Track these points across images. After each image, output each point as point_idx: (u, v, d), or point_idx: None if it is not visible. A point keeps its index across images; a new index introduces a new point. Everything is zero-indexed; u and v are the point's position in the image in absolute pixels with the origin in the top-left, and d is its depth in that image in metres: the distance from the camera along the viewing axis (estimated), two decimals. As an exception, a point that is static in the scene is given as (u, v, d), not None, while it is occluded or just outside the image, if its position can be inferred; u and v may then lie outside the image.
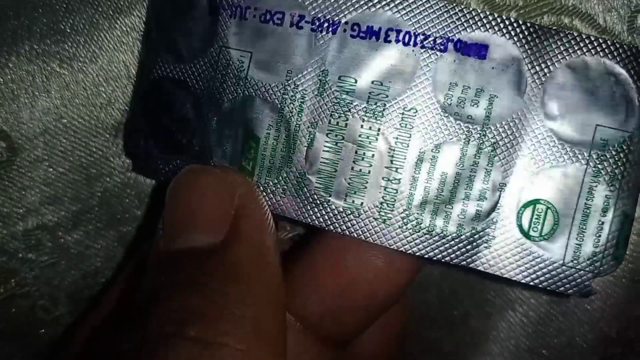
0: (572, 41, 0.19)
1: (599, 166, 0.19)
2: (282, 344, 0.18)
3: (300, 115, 0.19)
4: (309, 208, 0.20)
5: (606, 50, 0.19)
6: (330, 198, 0.19)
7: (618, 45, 0.19)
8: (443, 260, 0.19)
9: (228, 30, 0.20)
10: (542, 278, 0.19)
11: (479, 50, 0.18)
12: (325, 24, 0.19)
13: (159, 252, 0.18)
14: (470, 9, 0.18)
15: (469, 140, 0.19)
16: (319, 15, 0.19)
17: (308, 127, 0.19)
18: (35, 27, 0.24)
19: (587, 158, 0.19)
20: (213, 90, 0.20)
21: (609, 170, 0.19)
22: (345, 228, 0.19)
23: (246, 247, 0.18)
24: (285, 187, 0.20)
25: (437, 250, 0.19)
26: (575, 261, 0.19)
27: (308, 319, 0.21)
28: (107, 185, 0.26)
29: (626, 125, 0.19)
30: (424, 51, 0.18)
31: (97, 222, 0.26)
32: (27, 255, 0.26)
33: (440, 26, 0.18)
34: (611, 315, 0.26)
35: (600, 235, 0.19)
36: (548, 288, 0.19)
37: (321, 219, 0.20)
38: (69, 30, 0.24)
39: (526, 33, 0.18)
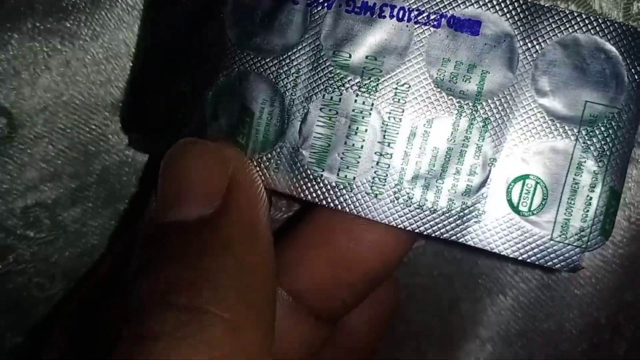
0: (563, 18, 0.19)
1: (588, 142, 0.19)
2: (271, 315, 0.18)
3: (294, 90, 0.19)
4: (302, 183, 0.20)
5: (597, 27, 0.19)
6: (323, 173, 0.20)
7: (609, 23, 0.19)
8: (434, 234, 0.19)
9: (224, 6, 0.20)
10: (530, 253, 0.19)
11: (472, 27, 0.19)
12: None
13: (151, 224, 0.19)
14: (464, -15, 0.18)
15: (461, 115, 0.19)
16: None
17: (302, 101, 0.19)
18: (37, 5, 0.24)
19: (577, 134, 0.19)
20: (208, 65, 0.20)
21: (597, 147, 0.19)
22: (337, 203, 0.20)
23: (237, 219, 0.18)
24: (279, 161, 0.20)
25: (427, 225, 0.19)
26: (564, 236, 0.19)
27: (300, 294, 0.22)
28: (105, 163, 0.26)
29: (615, 102, 0.19)
30: (418, 27, 0.19)
31: (95, 200, 0.26)
32: (25, 232, 0.26)
33: (434, 2, 0.19)
34: (601, 300, 0.26)
35: (588, 211, 0.19)
36: (536, 263, 0.19)
37: (314, 194, 0.20)
38: (70, 8, 0.25)
39: (519, 10, 0.19)
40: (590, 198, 0.19)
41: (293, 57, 0.19)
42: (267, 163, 0.20)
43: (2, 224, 0.26)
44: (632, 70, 0.19)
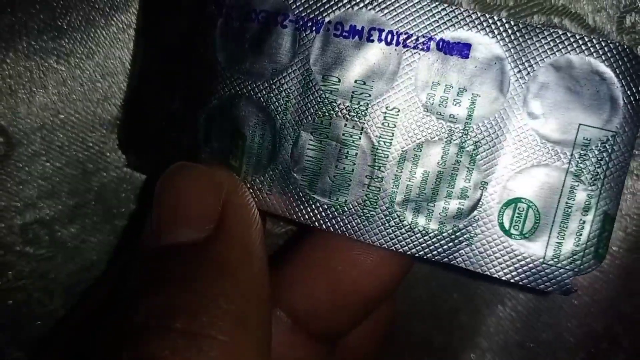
0: (556, 40, 0.18)
1: (581, 165, 0.19)
2: (267, 337, 0.18)
3: (285, 113, 0.19)
4: (294, 205, 0.20)
5: (591, 48, 0.18)
6: (315, 195, 0.20)
7: (604, 44, 0.18)
8: (425, 257, 0.19)
9: (215, 30, 0.20)
10: (522, 275, 0.19)
11: (462, 50, 0.18)
12: (309, 23, 0.19)
13: (146, 248, 0.19)
14: (453, 7, 0.18)
15: (451, 139, 0.19)
16: (303, 15, 0.19)
17: (293, 125, 0.19)
18: (32, 24, 0.25)
19: (569, 157, 0.19)
20: (200, 87, 0.20)
21: (591, 170, 0.19)
22: (329, 225, 0.20)
23: (232, 243, 0.18)
24: (272, 184, 0.20)
25: (419, 247, 0.19)
26: (556, 259, 0.19)
27: (298, 316, 0.22)
28: (103, 180, 0.26)
29: (609, 125, 0.19)
30: (407, 50, 0.18)
31: (93, 217, 0.26)
32: (24, 248, 0.26)
33: (423, 25, 0.18)
34: (598, 310, 0.26)
35: (581, 234, 0.19)
36: (529, 285, 0.19)
37: (306, 216, 0.20)
38: (65, 27, 0.25)
39: (510, 32, 0.18)
40: (584, 222, 0.19)
41: (283, 81, 0.19)
42: (260, 185, 0.20)
43: (1, 240, 0.26)
44: (628, 92, 0.19)
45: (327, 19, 0.19)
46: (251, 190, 0.20)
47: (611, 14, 0.22)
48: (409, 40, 0.18)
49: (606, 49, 0.18)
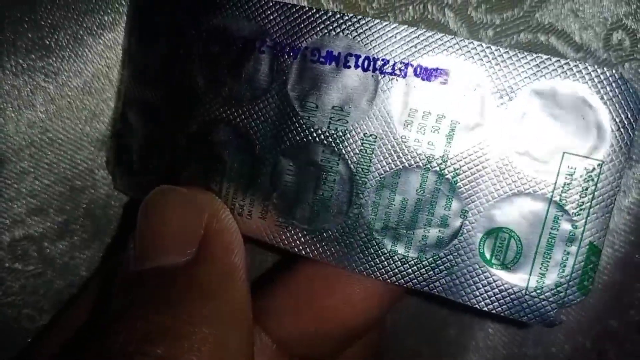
0: (540, 65, 0.18)
1: (566, 195, 0.18)
2: None
3: (264, 139, 0.19)
4: (274, 230, 0.20)
5: (577, 74, 0.18)
6: (294, 221, 0.19)
7: (590, 69, 0.18)
8: (405, 285, 0.19)
9: (193, 55, 0.20)
10: (504, 307, 0.18)
11: (440, 76, 0.18)
12: (287, 49, 0.18)
13: (128, 272, 0.19)
14: (431, 32, 0.18)
15: (430, 166, 0.18)
16: (280, 40, 0.18)
17: (272, 150, 0.19)
18: (20, 42, 0.25)
19: (553, 186, 0.18)
20: (181, 112, 0.20)
21: (576, 199, 0.18)
22: (309, 251, 0.19)
23: (214, 267, 0.18)
24: (251, 209, 0.20)
25: (398, 275, 0.19)
26: (539, 290, 0.18)
27: (283, 342, 0.21)
28: (91, 197, 0.26)
29: (596, 153, 0.18)
30: (383, 77, 0.18)
31: (82, 233, 0.26)
32: (14, 265, 0.26)
33: (401, 50, 0.18)
34: (586, 325, 0.25)
35: (565, 266, 0.18)
36: (510, 317, 0.18)
37: (286, 241, 0.20)
38: (53, 46, 0.25)
39: (490, 57, 0.18)
40: (568, 253, 0.18)
41: (262, 106, 0.19)
42: (240, 210, 0.20)
43: (-10, 257, 0.26)
44: (616, 119, 0.18)
45: (304, 45, 0.18)
46: (232, 215, 0.20)
47: (598, 31, 0.22)
48: (386, 67, 0.18)
49: (593, 74, 0.18)
